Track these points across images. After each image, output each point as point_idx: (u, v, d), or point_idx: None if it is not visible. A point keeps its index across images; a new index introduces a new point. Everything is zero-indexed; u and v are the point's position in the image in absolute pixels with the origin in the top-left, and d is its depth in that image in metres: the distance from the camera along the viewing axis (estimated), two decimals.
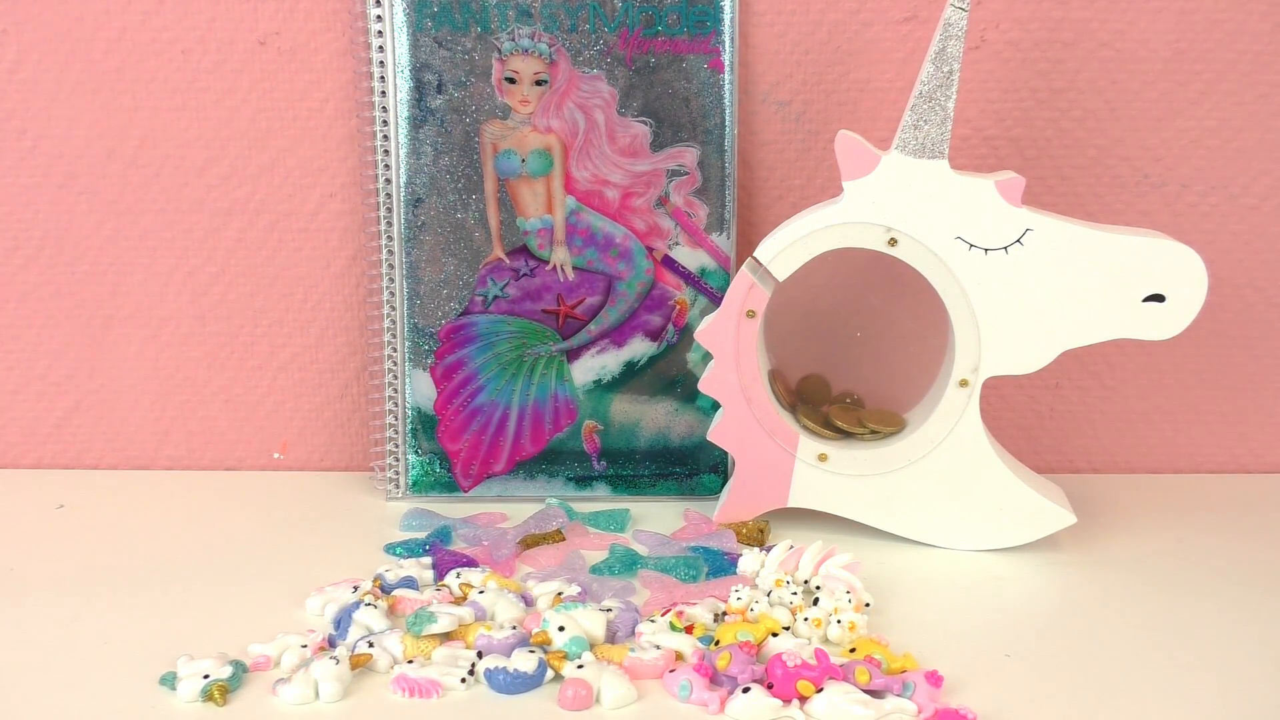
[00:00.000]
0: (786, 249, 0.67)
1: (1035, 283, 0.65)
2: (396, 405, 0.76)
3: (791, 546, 0.65)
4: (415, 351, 0.75)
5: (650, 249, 0.75)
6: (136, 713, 0.53)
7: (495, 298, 0.75)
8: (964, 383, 0.67)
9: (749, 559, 0.65)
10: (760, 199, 0.78)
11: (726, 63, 0.73)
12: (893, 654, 0.56)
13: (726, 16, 0.73)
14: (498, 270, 0.75)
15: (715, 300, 0.74)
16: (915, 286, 0.68)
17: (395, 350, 0.75)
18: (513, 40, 0.72)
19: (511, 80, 0.73)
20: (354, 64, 0.75)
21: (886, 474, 0.69)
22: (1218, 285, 0.77)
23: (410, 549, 0.69)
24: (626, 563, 0.67)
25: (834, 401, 0.75)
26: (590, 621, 0.58)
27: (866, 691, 0.53)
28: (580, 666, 0.55)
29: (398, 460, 0.76)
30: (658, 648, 0.57)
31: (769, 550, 0.65)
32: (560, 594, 0.62)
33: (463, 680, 0.54)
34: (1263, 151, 0.77)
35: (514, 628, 0.57)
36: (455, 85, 0.73)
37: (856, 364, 0.75)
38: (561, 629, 0.57)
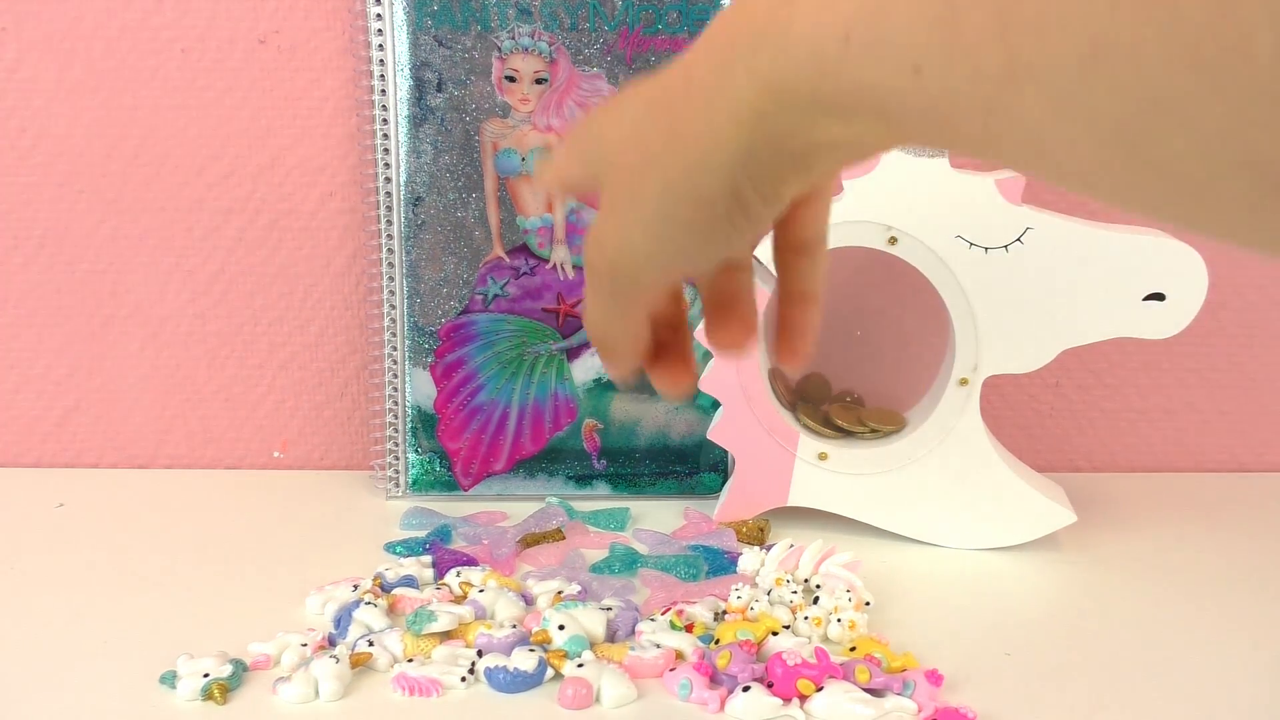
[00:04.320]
0: None
1: (1035, 281, 0.65)
2: (396, 404, 0.76)
3: (791, 545, 0.65)
4: (415, 350, 0.75)
5: None
6: (136, 712, 0.53)
7: (495, 296, 0.75)
8: (964, 381, 0.67)
9: (749, 558, 0.65)
10: None
11: None
12: (893, 653, 0.56)
13: None
14: (498, 269, 0.75)
15: None
16: (915, 285, 0.68)
17: (395, 349, 0.75)
18: (513, 39, 0.72)
19: (511, 79, 0.73)
20: (354, 62, 0.75)
21: (887, 473, 0.69)
22: (1218, 284, 0.77)
23: (410, 548, 0.69)
24: (626, 561, 0.67)
25: (834, 400, 0.75)
26: (590, 620, 0.58)
27: (866, 690, 0.53)
28: (580, 665, 0.55)
29: (397, 459, 0.76)
30: (658, 646, 0.57)
31: (769, 549, 0.65)
32: (560, 593, 0.62)
33: (463, 679, 0.54)
34: None
35: (514, 626, 0.57)
36: (455, 84, 0.73)
37: (857, 363, 0.75)
38: (561, 628, 0.57)
